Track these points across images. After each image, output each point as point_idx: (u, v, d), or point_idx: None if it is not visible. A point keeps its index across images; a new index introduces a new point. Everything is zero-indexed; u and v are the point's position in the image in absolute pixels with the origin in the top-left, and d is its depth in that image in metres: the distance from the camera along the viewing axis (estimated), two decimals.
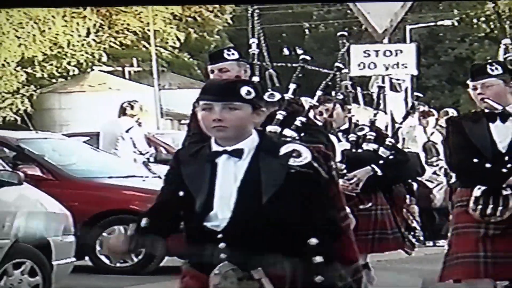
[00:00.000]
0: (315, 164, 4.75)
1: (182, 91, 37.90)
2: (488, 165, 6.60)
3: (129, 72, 42.57)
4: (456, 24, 40.39)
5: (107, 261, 12.62)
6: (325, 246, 4.75)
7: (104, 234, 12.56)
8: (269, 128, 7.06)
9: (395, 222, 9.66)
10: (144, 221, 4.91)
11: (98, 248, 12.59)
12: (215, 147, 4.83)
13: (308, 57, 7.67)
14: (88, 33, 39.56)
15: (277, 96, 7.47)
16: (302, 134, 7.34)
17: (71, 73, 38.94)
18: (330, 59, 42.20)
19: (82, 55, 39.17)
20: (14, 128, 29.45)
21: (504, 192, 6.59)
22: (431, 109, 18.94)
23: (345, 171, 9.03)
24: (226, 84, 5.10)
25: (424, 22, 38.59)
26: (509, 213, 6.53)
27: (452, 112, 18.52)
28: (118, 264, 12.57)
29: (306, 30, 47.44)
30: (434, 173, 16.31)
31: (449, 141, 7.06)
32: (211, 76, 7.84)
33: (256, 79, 7.60)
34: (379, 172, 9.23)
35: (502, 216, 6.51)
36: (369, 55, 20.06)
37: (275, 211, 4.68)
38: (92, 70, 38.66)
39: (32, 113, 36.48)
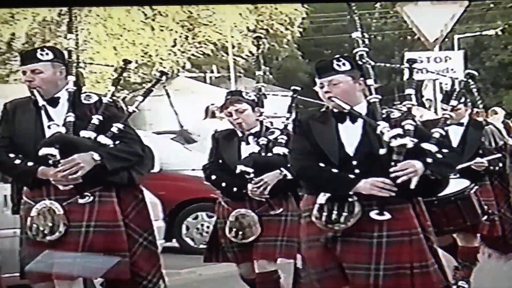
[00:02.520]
0: None
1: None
2: (335, 170, 5.39)
3: (210, 77, 42.87)
4: (499, 33, 40.11)
5: (191, 243, 12.65)
6: None
7: (189, 219, 12.61)
8: (82, 134, 6.35)
9: None
10: None
11: (184, 231, 12.63)
12: None
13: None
14: (174, 44, 39.72)
15: (94, 98, 6.59)
16: (117, 142, 6.48)
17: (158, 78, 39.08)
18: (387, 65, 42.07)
19: (169, 63, 39.33)
20: None
21: (350, 199, 5.38)
22: (479, 110, 18.75)
23: (252, 175, 7.59)
24: None
25: (470, 32, 38.27)
26: (354, 220, 5.36)
27: (499, 111, 18.43)
28: (201, 246, 12.57)
29: (366, 41, 47.27)
30: None
31: (294, 144, 5.86)
32: (23, 78, 6.64)
33: (71, 78, 6.61)
34: (289, 176, 7.48)
35: (346, 224, 5.35)
36: (421, 61, 19.99)
37: None
38: (178, 76, 38.79)
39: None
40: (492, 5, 41.75)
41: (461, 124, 8.94)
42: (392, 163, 5.25)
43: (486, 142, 8.99)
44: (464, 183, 8.53)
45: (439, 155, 5.37)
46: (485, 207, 8.60)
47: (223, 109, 8.10)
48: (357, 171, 5.39)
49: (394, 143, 5.24)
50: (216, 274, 11.22)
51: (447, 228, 8.57)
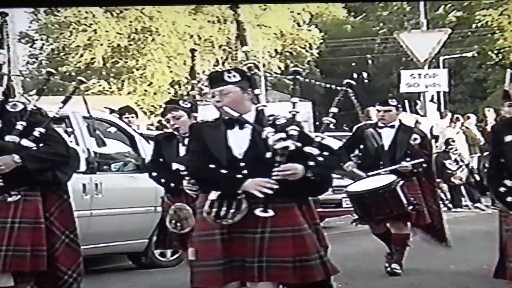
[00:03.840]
0: None
1: (281, 103, 38.01)
2: (223, 171, 4.84)
3: None
4: (475, 55, 40.11)
5: None
6: None
7: None
8: (7, 138, 5.84)
9: None
10: None
11: None
12: None
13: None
14: (217, 63, 39.84)
15: (20, 106, 6.01)
16: (41, 145, 5.90)
17: (204, 92, 39.18)
18: (387, 80, 41.97)
19: None
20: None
21: (238, 197, 4.83)
22: (458, 116, 18.90)
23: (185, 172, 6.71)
24: None
25: (453, 54, 38.17)
26: (240, 216, 4.79)
27: (472, 116, 18.58)
28: None
29: (369, 61, 47.11)
30: (455, 160, 16.11)
31: (188, 146, 5.34)
32: None
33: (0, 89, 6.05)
34: None
35: (233, 219, 4.79)
36: (414, 77, 20.16)
37: None
38: None
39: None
40: (469, 33, 41.73)
41: (392, 127, 8.40)
42: (276, 165, 4.76)
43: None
44: (391, 178, 8.13)
45: (320, 158, 4.84)
46: (411, 199, 8.17)
47: (163, 116, 7.65)
48: (245, 171, 4.83)
49: (277, 145, 4.76)
50: None
51: (376, 216, 8.26)
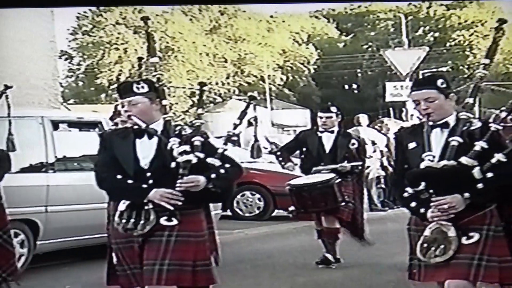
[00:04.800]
0: None
1: (284, 111, 38.08)
2: (130, 181, 4.27)
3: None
4: (449, 70, 40.20)
5: (240, 212, 12.56)
6: None
7: (238, 196, 12.48)
8: None
9: None
10: None
11: (235, 204, 12.54)
12: None
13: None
14: (228, 77, 39.86)
15: None
16: None
17: (217, 101, 39.23)
18: (374, 91, 41.89)
19: (224, 90, 39.48)
20: None
21: (146, 207, 4.26)
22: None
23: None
24: None
25: (430, 69, 38.13)
26: (150, 227, 4.25)
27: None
28: (247, 214, 12.50)
29: (359, 74, 47.06)
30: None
31: (98, 156, 4.54)
32: None
33: None
34: None
35: (143, 230, 4.25)
36: (397, 88, 20.13)
37: None
38: (230, 99, 38.91)
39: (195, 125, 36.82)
40: (444, 51, 41.70)
41: (332, 132, 8.03)
42: (179, 176, 4.22)
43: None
44: (330, 175, 7.84)
45: (221, 170, 4.32)
46: (345, 197, 7.87)
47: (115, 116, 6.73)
48: (150, 181, 4.26)
49: (180, 159, 4.22)
50: (258, 234, 11.00)
51: (311, 209, 7.92)
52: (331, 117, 8.05)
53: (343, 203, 7.89)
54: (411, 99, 4.21)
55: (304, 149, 8.22)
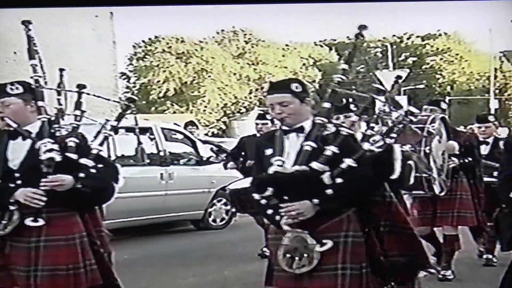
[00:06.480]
0: None
1: None
2: None
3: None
4: (425, 87, 40.28)
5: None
6: None
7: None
8: None
9: None
10: None
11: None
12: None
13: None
14: (250, 92, 39.84)
15: None
16: None
17: (242, 111, 39.23)
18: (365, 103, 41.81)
19: (247, 102, 39.48)
20: (216, 136, 29.81)
21: (12, 207, 3.40)
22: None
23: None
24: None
25: (410, 86, 38.15)
26: (12, 227, 3.42)
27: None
28: None
29: (354, 91, 46.87)
30: None
31: None
32: None
33: None
34: None
35: (4, 231, 3.42)
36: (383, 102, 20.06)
37: None
38: (253, 109, 38.92)
39: (225, 131, 36.93)
40: (421, 72, 41.80)
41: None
42: (44, 175, 3.39)
43: None
44: None
45: (93, 170, 3.46)
46: None
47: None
48: (19, 182, 3.41)
49: (43, 157, 3.39)
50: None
51: (250, 209, 6.25)
52: (266, 124, 7.08)
53: None
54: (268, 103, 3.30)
55: (243, 153, 7.24)
